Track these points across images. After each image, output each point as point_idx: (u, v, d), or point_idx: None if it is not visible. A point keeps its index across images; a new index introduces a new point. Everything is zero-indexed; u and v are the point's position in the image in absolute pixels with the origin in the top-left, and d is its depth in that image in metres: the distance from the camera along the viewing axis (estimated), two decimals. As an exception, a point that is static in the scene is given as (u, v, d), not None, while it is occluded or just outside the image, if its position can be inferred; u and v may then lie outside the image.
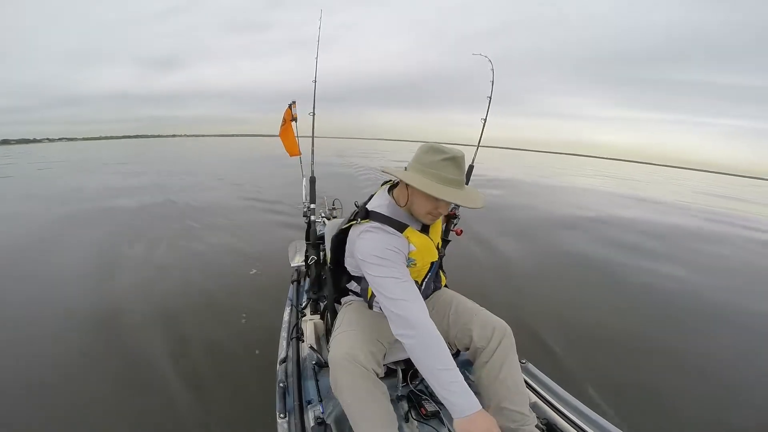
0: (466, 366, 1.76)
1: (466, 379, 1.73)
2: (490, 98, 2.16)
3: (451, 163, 1.25)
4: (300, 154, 2.21)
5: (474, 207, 1.27)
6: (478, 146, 2.20)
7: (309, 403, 1.48)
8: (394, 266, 1.26)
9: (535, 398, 1.60)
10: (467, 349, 1.47)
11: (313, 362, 1.69)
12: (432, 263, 1.46)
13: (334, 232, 1.58)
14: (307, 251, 2.04)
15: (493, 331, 1.39)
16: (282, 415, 1.42)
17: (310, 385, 1.57)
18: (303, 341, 1.87)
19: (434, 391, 1.12)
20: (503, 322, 1.44)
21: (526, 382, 1.61)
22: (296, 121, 2.17)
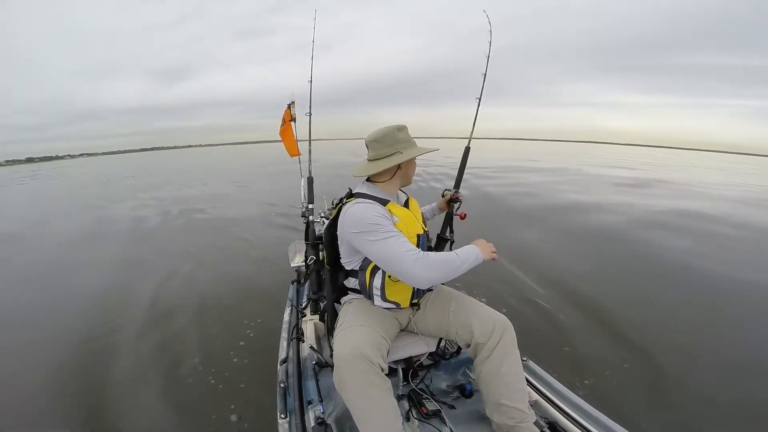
0: (467, 364, 1.73)
1: (467, 376, 1.71)
2: (487, 62, 2.04)
3: (407, 130, 1.53)
4: (300, 154, 2.21)
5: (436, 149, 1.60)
6: (473, 127, 2.11)
7: (309, 403, 1.48)
8: (388, 228, 1.32)
9: (536, 396, 1.58)
10: (468, 345, 1.45)
11: (314, 362, 1.68)
12: (418, 236, 1.48)
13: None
14: (306, 251, 2.04)
15: (493, 326, 1.38)
16: (283, 416, 1.41)
17: (310, 385, 1.56)
18: (303, 341, 1.87)
19: (465, 270, 1.31)
20: (504, 317, 1.43)
21: (528, 380, 1.59)
22: (295, 121, 2.18)
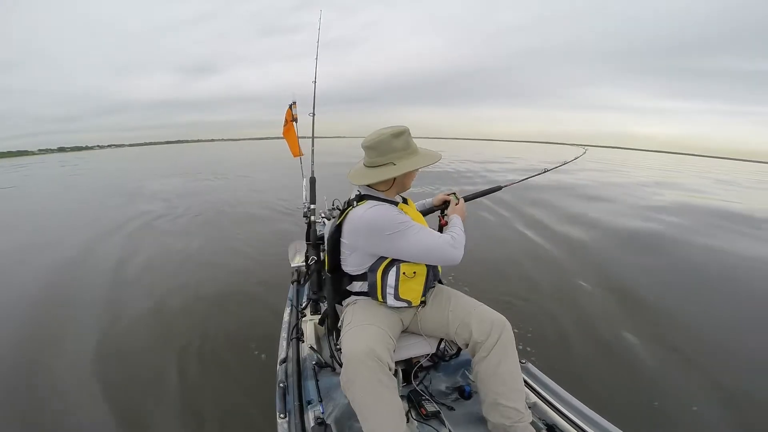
0: (466, 365, 1.73)
1: (466, 378, 1.70)
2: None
3: (407, 134, 1.47)
4: (302, 154, 2.22)
5: (439, 159, 1.50)
6: None
7: (309, 403, 1.48)
8: (413, 222, 1.41)
9: (535, 398, 1.58)
10: (467, 344, 1.46)
11: (313, 362, 1.69)
12: None
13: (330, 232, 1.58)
14: (307, 252, 2.04)
15: (491, 325, 1.39)
16: (282, 416, 1.42)
17: (310, 386, 1.56)
18: (303, 341, 1.87)
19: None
20: (502, 316, 1.44)
21: (526, 383, 1.59)
22: (296, 122, 2.19)
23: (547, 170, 2.27)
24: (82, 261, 5.05)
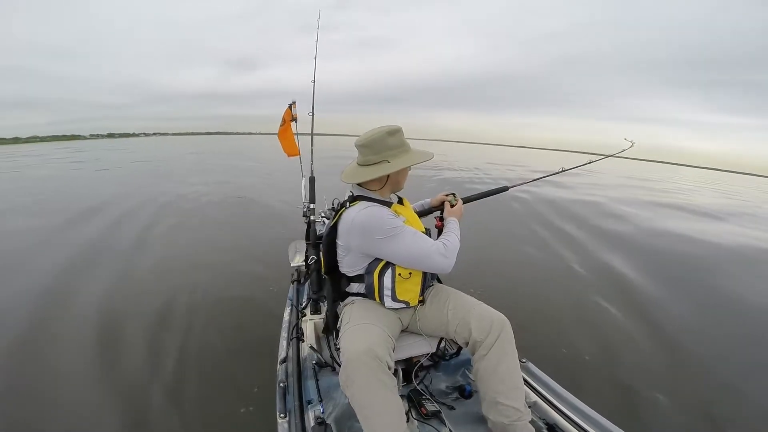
0: (466, 365, 1.72)
1: (467, 378, 1.69)
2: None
3: (401, 133, 1.47)
4: (299, 154, 2.21)
5: (432, 158, 1.50)
6: None
7: (309, 403, 1.49)
8: (405, 227, 1.39)
9: (535, 398, 1.57)
10: (467, 343, 1.46)
11: (314, 362, 1.69)
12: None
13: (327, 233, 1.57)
14: (307, 251, 2.05)
15: (491, 323, 1.39)
16: (282, 415, 1.42)
17: (310, 385, 1.57)
18: (303, 341, 1.87)
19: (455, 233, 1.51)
20: (502, 315, 1.43)
21: (526, 381, 1.58)
22: (296, 122, 2.18)
23: (565, 170, 2.16)
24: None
